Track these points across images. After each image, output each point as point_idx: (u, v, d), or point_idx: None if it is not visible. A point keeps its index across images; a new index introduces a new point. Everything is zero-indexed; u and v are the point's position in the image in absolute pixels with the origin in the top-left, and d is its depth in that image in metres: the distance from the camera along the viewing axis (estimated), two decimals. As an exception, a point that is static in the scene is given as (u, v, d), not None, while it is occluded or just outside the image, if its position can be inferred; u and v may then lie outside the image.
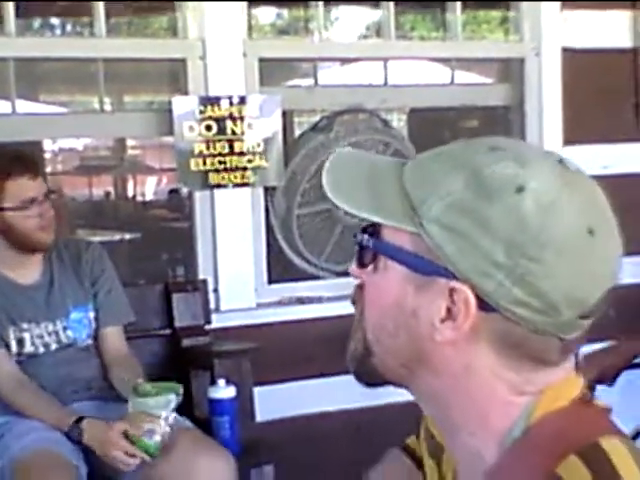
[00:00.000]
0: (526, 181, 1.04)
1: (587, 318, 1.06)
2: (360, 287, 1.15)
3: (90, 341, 3.21)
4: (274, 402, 3.68)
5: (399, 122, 6.36)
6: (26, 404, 2.99)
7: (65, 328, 3.16)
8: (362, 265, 1.14)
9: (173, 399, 2.93)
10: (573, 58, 4.29)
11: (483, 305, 1.05)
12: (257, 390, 3.41)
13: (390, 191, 1.10)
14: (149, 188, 12.31)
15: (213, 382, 3.26)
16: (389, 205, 1.09)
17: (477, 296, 1.04)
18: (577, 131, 4.34)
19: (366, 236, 1.12)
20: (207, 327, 3.64)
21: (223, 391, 3.19)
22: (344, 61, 5.10)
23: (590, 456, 1.03)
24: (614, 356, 2.87)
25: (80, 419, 2.92)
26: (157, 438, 2.86)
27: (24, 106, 4.63)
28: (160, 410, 2.89)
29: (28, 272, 3.18)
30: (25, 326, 3.10)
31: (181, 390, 2.98)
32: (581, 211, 1.05)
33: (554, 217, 1.03)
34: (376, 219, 1.10)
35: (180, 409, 3.14)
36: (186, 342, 3.54)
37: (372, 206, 1.10)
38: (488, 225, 1.03)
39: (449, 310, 1.06)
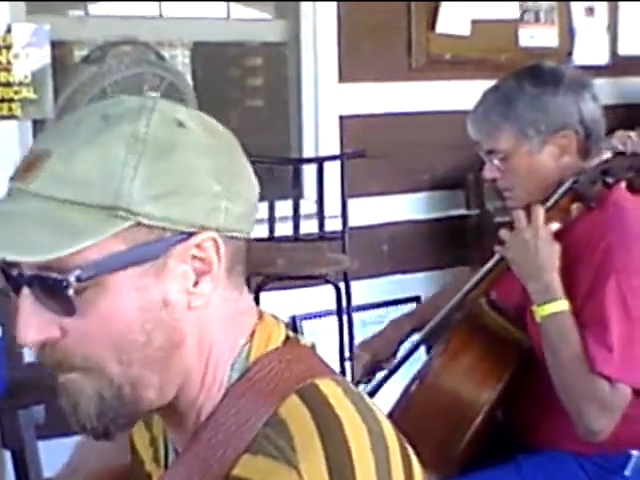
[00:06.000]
0: (175, 116, 1.04)
1: None
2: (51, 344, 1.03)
3: None
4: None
5: (183, 57, 6.26)
6: None
7: None
8: (67, 312, 1.00)
9: None
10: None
11: (224, 240, 1.05)
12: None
13: (57, 215, 0.98)
14: None
15: (-22, 322, 3.14)
16: (78, 224, 0.97)
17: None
18: (352, 69, 4.38)
19: (53, 276, 0.98)
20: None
21: (-12, 331, 3.08)
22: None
23: (309, 397, 1.04)
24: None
25: None
26: None
27: None
28: None
29: None
30: None
31: None
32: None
33: (216, 131, 1.08)
34: (83, 245, 0.97)
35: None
36: (-51, 281, 3.39)
37: (62, 239, 0.97)
38: (189, 169, 1.02)
39: (195, 270, 1.04)
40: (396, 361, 2.62)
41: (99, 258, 0.99)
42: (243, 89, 6.77)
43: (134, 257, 1.00)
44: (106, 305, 1.01)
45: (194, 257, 1.03)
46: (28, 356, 3.31)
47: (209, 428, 1.06)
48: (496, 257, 2.40)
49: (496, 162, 2.37)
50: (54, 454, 3.35)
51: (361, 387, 2.59)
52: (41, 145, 1.03)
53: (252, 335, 1.10)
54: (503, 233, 2.31)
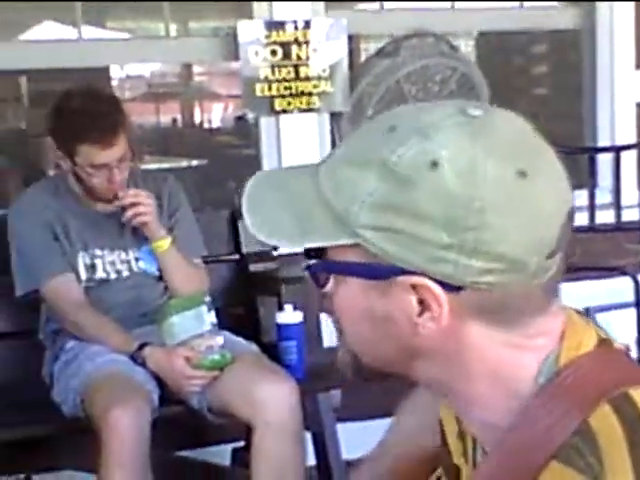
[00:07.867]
0: (436, 153, 0.99)
1: (555, 254, 1.02)
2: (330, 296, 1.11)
3: (159, 273, 3.20)
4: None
5: (467, 47, 6.27)
6: (90, 329, 3.01)
7: (137, 259, 3.16)
8: (321, 286, 1.10)
9: (203, 310, 2.99)
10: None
11: (451, 288, 1.01)
12: (324, 316, 3.41)
13: (314, 209, 1.05)
14: (215, 114, 12.29)
15: (280, 307, 3.27)
16: (318, 225, 1.04)
17: (441, 282, 1.00)
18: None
19: (312, 261, 1.09)
20: (274, 253, 3.64)
21: (290, 316, 3.20)
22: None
23: (622, 409, 1.01)
24: None
25: (142, 345, 2.95)
26: (217, 349, 2.94)
27: (90, 32, 4.62)
28: (200, 324, 2.96)
29: None
30: (98, 252, 3.12)
31: (206, 297, 3.01)
32: (503, 157, 0.99)
33: (478, 178, 0.98)
34: (312, 245, 1.06)
35: (247, 334, 3.17)
36: (253, 268, 3.55)
37: (303, 233, 1.05)
38: (418, 213, 0.99)
39: (421, 302, 1.03)
40: None
41: (339, 260, 1.06)
42: (528, 77, 6.71)
43: (362, 271, 1.04)
44: (342, 294, 1.08)
45: (416, 291, 1.03)
46: (327, 341, 3.43)
47: (517, 432, 1.06)
48: None
49: None
50: (352, 436, 3.46)
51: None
52: (345, 134, 1.11)
53: (561, 339, 1.07)
54: None
